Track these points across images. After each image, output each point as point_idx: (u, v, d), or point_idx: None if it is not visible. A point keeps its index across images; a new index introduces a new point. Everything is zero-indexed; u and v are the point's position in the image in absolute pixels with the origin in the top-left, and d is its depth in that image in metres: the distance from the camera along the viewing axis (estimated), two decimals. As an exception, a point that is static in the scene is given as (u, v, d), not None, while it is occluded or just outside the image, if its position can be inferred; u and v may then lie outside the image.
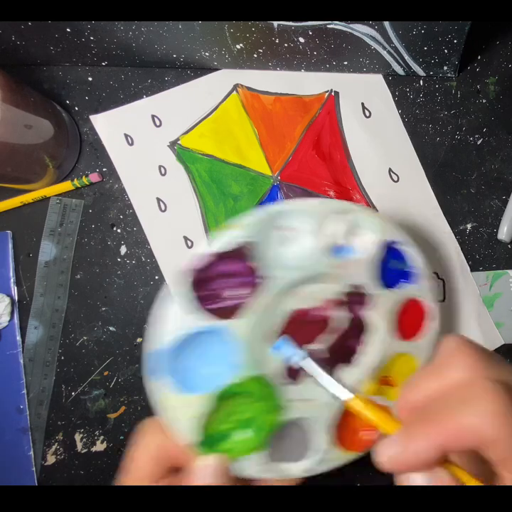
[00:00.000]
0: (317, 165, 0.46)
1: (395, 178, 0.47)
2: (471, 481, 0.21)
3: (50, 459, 0.44)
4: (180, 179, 0.45)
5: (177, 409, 0.28)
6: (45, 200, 0.45)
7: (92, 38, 0.41)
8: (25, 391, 0.44)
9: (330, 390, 0.30)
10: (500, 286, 0.47)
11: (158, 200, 0.45)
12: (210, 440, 0.29)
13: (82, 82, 0.46)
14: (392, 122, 0.47)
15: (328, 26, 0.39)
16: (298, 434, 0.33)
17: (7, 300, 0.43)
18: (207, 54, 0.43)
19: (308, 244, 0.33)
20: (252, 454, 0.30)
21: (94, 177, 0.44)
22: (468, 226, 0.47)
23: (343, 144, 0.46)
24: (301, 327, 0.33)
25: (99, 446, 0.45)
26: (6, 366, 0.44)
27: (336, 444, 0.34)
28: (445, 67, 0.45)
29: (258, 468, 0.31)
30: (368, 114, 0.47)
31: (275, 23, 0.39)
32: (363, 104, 0.47)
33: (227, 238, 0.31)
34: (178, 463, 0.27)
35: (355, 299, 0.35)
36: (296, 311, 0.33)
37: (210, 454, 0.28)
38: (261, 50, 0.43)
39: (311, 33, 0.40)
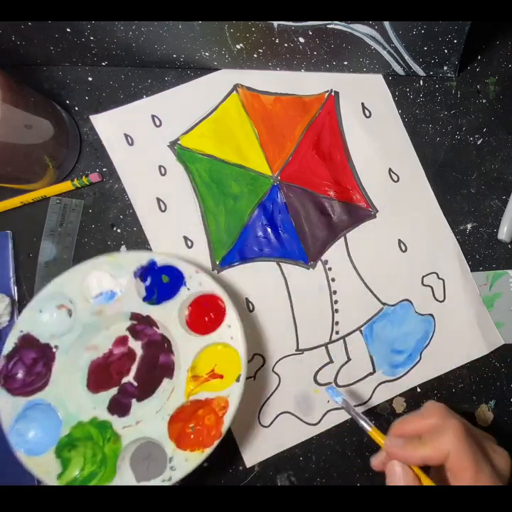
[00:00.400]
0: (317, 165, 0.46)
1: (395, 178, 0.47)
2: (427, 480, 0.34)
3: (50, 459, 0.44)
4: (180, 179, 0.45)
5: (33, 468, 0.38)
6: (45, 200, 0.45)
7: (92, 38, 0.41)
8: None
9: (359, 422, 0.38)
10: (500, 286, 0.47)
11: (158, 200, 0.45)
12: (76, 482, 0.38)
13: (82, 82, 0.46)
14: (392, 122, 0.47)
15: (328, 26, 0.39)
16: (157, 453, 0.39)
17: (7, 300, 0.43)
18: (207, 54, 0.43)
19: (77, 306, 0.40)
20: (113, 480, 0.38)
21: (94, 177, 0.44)
22: (468, 226, 0.47)
23: (343, 144, 0.46)
24: (107, 369, 0.41)
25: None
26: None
27: (181, 448, 0.39)
28: (445, 67, 0.45)
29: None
30: (368, 114, 0.47)
31: (275, 23, 0.39)
32: (363, 104, 0.47)
33: (7, 343, 0.39)
34: None
35: (142, 325, 0.42)
36: (94, 361, 0.41)
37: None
38: (261, 50, 0.43)
39: (311, 33, 0.40)
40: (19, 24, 0.39)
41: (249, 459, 0.44)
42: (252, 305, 0.45)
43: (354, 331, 0.45)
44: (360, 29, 0.39)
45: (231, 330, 0.41)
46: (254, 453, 0.44)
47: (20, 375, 0.39)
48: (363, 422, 0.38)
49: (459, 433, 0.33)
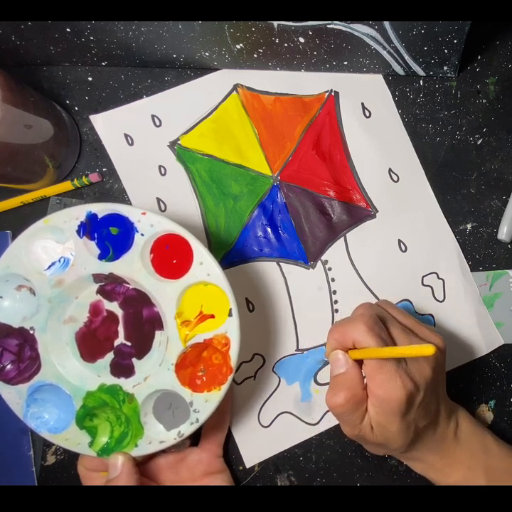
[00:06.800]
0: (317, 165, 0.46)
1: (395, 178, 0.47)
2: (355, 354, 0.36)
3: (50, 459, 0.44)
4: (180, 179, 0.45)
5: (63, 444, 0.38)
6: (45, 200, 0.45)
7: (92, 38, 0.41)
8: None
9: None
10: (500, 286, 0.47)
11: (158, 200, 0.45)
12: (109, 446, 0.38)
13: (82, 82, 0.46)
14: (392, 122, 0.47)
15: (328, 26, 0.39)
16: (178, 401, 0.38)
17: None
18: (207, 54, 0.43)
19: (34, 283, 0.38)
20: (143, 436, 0.38)
21: (94, 177, 0.44)
22: (468, 226, 0.47)
23: (343, 144, 0.46)
24: (95, 337, 0.40)
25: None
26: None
27: (197, 392, 0.38)
28: (445, 67, 0.45)
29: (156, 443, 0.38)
30: (368, 114, 0.47)
31: (275, 23, 0.39)
32: (363, 104, 0.47)
33: None
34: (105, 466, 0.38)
35: (111, 284, 0.39)
36: (78, 332, 0.39)
37: (113, 454, 0.37)
38: (261, 50, 0.43)
39: (311, 33, 0.40)
40: (19, 24, 0.39)
41: (249, 459, 0.44)
42: (252, 305, 0.45)
43: (354, 331, 0.45)
44: (360, 29, 0.39)
45: (204, 266, 0.37)
46: (254, 453, 0.44)
47: (11, 364, 0.39)
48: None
49: (366, 321, 0.35)
